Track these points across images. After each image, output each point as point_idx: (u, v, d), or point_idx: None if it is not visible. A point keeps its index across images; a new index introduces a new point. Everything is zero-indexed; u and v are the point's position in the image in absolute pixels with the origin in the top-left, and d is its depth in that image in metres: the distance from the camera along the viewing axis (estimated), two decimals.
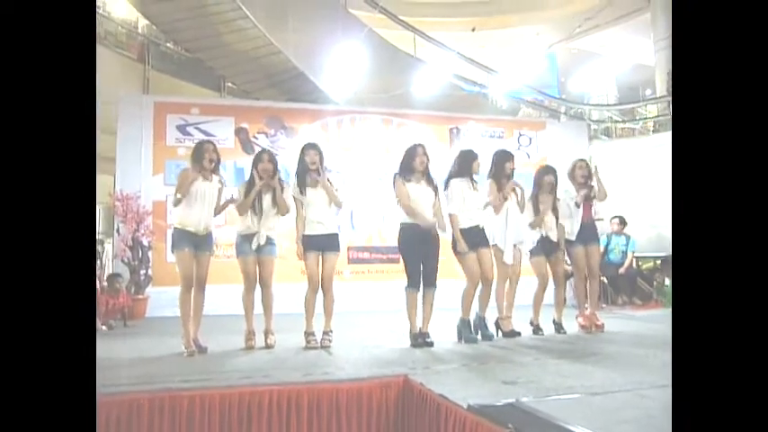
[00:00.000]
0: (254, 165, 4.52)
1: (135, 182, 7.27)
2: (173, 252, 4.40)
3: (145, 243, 6.91)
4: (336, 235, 4.56)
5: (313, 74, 9.42)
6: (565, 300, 7.08)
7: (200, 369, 3.49)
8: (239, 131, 7.88)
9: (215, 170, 4.40)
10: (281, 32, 9.01)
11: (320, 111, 8.60)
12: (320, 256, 4.42)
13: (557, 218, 5.08)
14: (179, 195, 4.26)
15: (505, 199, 4.72)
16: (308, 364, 3.65)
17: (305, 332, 4.40)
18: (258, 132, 8.00)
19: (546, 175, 5.15)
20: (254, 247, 4.40)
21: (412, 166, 4.44)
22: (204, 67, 10.53)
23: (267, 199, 4.45)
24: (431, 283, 4.42)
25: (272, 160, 4.52)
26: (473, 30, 13.31)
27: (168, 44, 11.25)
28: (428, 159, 4.47)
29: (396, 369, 3.34)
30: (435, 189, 4.50)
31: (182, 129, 7.65)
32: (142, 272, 6.83)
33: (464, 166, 4.65)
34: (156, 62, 10.85)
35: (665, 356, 3.60)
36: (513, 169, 4.84)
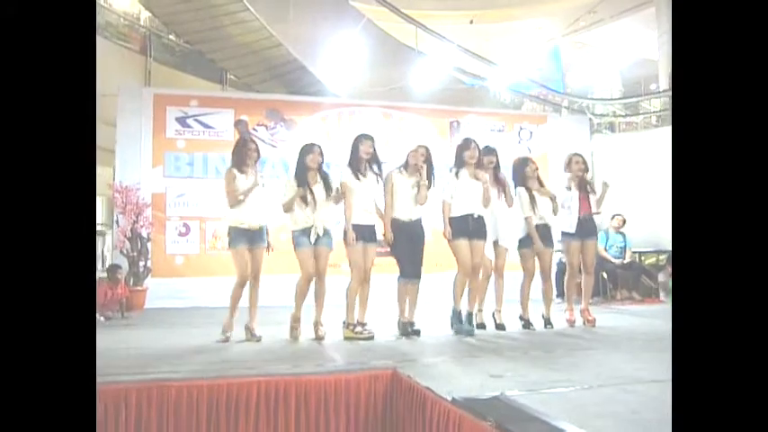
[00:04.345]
0: (303, 156, 4.50)
1: (135, 174, 7.29)
2: (229, 249, 4.45)
3: (144, 235, 6.95)
4: (374, 226, 4.55)
5: (314, 66, 9.41)
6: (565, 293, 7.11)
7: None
8: (239, 123, 7.87)
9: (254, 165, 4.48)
10: (281, 25, 9.00)
11: (320, 103, 8.58)
12: (364, 247, 4.43)
13: (554, 207, 5.03)
14: (241, 197, 4.31)
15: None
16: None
17: (348, 323, 4.36)
18: (258, 125, 8.00)
19: (526, 165, 5.12)
20: (312, 239, 4.38)
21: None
22: (206, 60, 10.52)
23: (319, 190, 4.44)
24: (416, 275, 4.48)
25: (321, 152, 4.54)
26: (471, 22, 13.21)
27: (170, 36, 11.23)
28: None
29: (386, 361, 3.35)
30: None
31: (181, 121, 7.67)
32: (141, 263, 6.87)
33: (457, 155, 4.76)
34: (158, 54, 10.83)
35: (656, 352, 3.60)
36: (493, 163, 4.83)
